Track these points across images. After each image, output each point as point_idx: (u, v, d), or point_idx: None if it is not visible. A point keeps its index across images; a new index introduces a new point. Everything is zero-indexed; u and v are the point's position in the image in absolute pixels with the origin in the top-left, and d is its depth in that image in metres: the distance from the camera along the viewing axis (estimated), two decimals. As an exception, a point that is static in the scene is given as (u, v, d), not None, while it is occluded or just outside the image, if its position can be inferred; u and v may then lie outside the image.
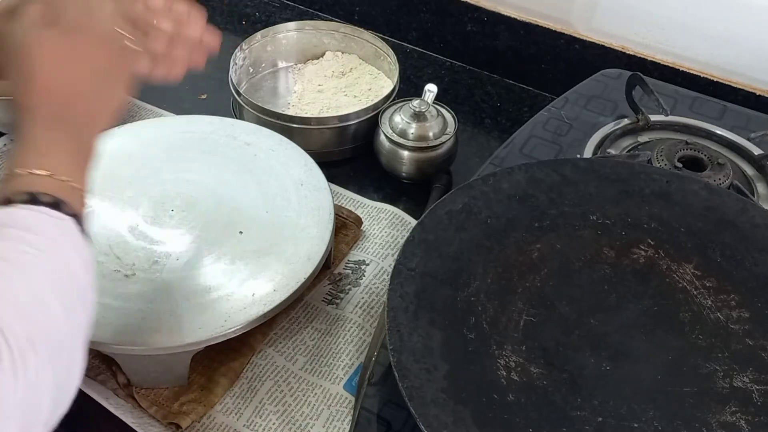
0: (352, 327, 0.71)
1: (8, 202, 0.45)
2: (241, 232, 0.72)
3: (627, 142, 0.81)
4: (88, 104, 0.52)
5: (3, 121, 0.89)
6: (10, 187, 0.46)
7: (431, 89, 0.84)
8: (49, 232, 0.45)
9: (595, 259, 0.63)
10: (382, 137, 0.85)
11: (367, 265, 0.77)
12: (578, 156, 0.78)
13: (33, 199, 0.45)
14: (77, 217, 0.47)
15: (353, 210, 0.82)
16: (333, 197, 0.75)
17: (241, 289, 0.67)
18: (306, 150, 0.80)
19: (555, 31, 0.98)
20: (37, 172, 0.47)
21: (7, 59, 0.50)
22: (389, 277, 0.60)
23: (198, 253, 0.70)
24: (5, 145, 0.90)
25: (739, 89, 0.90)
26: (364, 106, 0.88)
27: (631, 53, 0.95)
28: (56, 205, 0.46)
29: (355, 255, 0.78)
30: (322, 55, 1.02)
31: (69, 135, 0.50)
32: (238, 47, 0.95)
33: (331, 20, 1.10)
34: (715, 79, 0.91)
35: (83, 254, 0.47)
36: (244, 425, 0.64)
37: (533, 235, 0.64)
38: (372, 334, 0.70)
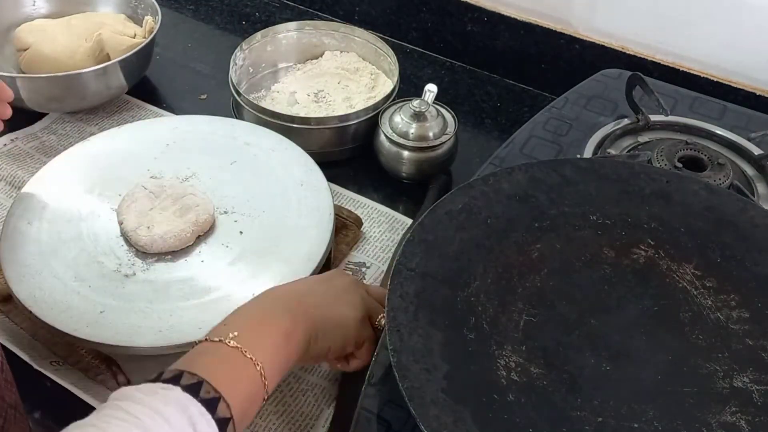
0: (352, 327, 0.71)
1: (158, 377, 0.46)
2: (241, 232, 0.72)
3: (627, 142, 0.81)
4: (331, 325, 0.58)
5: (32, 99, 0.90)
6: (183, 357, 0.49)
7: (431, 89, 0.84)
8: (153, 404, 0.44)
9: (595, 259, 0.63)
10: (382, 137, 0.85)
11: (368, 267, 0.77)
12: (578, 156, 0.78)
13: (176, 378, 0.46)
14: (217, 399, 0.46)
15: (353, 210, 0.81)
16: (333, 197, 0.75)
17: (241, 289, 0.67)
18: (306, 150, 0.80)
19: (555, 31, 0.98)
20: (228, 342, 0.49)
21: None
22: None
23: (198, 253, 0.70)
24: (5, 145, 0.90)
25: (739, 89, 0.90)
26: (364, 106, 0.88)
27: (631, 53, 0.95)
28: (196, 386, 0.46)
29: (356, 257, 0.78)
30: (322, 54, 1.02)
31: (285, 337, 0.53)
32: (238, 47, 0.95)
33: (331, 20, 1.10)
34: (715, 79, 0.91)
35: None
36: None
37: (533, 235, 0.64)
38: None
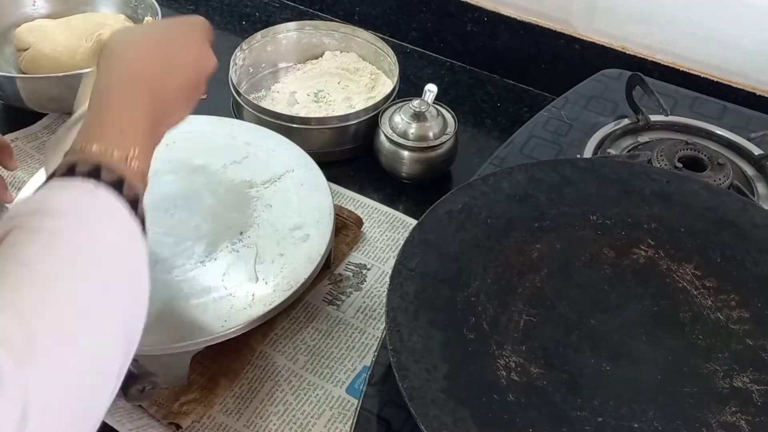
0: (353, 332, 0.71)
1: (71, 169, 0.45)
2: (241, 233, 0.72)
3: (627, 142, 0.81)
4: (175, 92, 0.56)
5: (32, 99, 0.90)
6: (79, 155, 0.46)
7: (431, 89, 0.84)
8: (83, 213, 0.43)
9: (595, 259, 0.63)
10: (383, 137, 0.85)
11: (369, 270, 0.77)
12: (578, 156, 0.78)
13: (94, 172, 0.44)
14: (136, 200, 0.46)
15: (353, 210, 0.81)
16: (333, 197, 0.75)
17: (241, 289, 0.67)
18: (306, 150, 0.80)
19: (555, 31, 0.98)
20: (115, 153, 0.47)
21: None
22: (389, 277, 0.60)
23: (198, 253, 0.70)
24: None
25: (739, 89, 0.90)
26: (364, 106, 0.88)
27: (631, 53, 0.95)
28: (118, 183, 0.45)
29: (356, 258, 0.78)
30: (322, 54, 1.02)
31: (149, 118, 0.52)
32: (238, 47, 0.95)
33: (331, 20, 1.10)
34: (715, 79, 0.91)
35: (128, 230, 0.45)
36: (245, 425, 0.64)
37: (533, 235, 0.64)
38: (375, 337, 0.71)
